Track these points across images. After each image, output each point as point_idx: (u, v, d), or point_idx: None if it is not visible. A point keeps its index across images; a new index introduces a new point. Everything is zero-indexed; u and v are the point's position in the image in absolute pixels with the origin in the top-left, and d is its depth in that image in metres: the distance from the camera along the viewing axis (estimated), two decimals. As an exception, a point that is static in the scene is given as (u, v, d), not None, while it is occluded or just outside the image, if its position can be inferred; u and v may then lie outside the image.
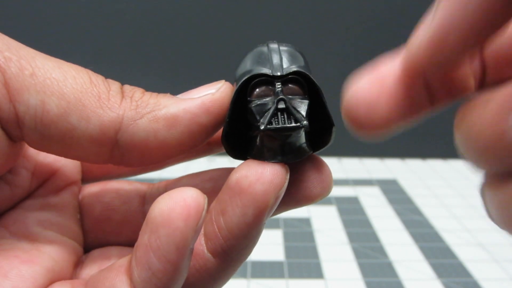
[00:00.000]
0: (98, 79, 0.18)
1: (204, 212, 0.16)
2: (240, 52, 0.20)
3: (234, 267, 0.19)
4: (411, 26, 0.18)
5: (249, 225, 0.17)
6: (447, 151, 0.74)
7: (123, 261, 0.17)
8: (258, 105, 0.18)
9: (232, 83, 0.20)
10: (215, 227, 0.18)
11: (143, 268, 0.16)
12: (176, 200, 0.16)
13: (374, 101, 0.17)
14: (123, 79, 0.20)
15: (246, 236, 0.18)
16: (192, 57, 0.72)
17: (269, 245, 0.50)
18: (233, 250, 0.18)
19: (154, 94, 0.19)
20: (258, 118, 0.18)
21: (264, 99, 0.18)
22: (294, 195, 0.19)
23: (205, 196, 0.16)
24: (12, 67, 0.17)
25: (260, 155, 0.18)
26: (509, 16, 0.13)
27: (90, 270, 0.20)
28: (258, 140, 0.18)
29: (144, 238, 0.16)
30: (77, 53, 0.70)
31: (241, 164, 0.18)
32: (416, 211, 0.59)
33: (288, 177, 0.18)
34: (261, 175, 0.17)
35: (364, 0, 0.70)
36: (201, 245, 0.18)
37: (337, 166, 0.73)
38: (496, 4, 0.13)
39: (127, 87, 0.19)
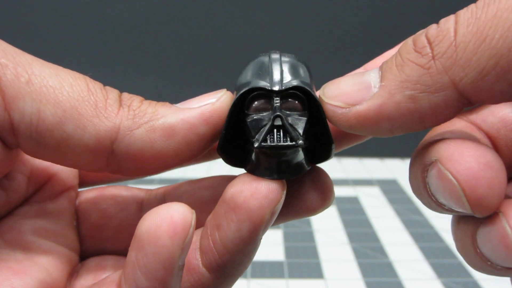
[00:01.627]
0: (96, 86, 0.18)
1: (191, 229, 0.16)
2: (242, 56, 0.20)
3: (229, 282, 0.19)
4: (411, 29, 0.18)
5: (244, 240, 0.17)
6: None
7: (115, 277, 0.17)
8: (254, 120, 0.18)
9: (232, 91, 0.19)
10: (211, 241, 0.18)
11: (131, 286, 0.16)
12: (162, 217, 0.15)
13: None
14: (124, 85, 0.20)
15: (241, 251, 0.18)
16: (194, 62, 0.72)
17: (269, 245, 0.50)
18: (228, 265, 0.18)
19: (153, 103, 0.19)
20: (253, 134, 0.17)
21: (261, 114, 0.18)
22: (293, 207, 0.19)
23: (193, 211, 0.16)
24: (8, 74, 0.17)
25: (256, 171, 0.18)
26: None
27: (84, 281, 0.20)
28: (254, 155, 0.18)
29: (131, 255, 0.16)
30: (77, 57, 0.69)
31: (236, 178, 0.18)
32: (416, 211, 0.58)
33: (284, 192, 0.18)
34: (255, 191, 0.17)
35: (367, 5, 0.70)
36: (196, 259, 0.18)
37: (337, 166, 0.72)
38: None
39: (125, 95, 0.19)
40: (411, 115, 0.16)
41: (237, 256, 0.18)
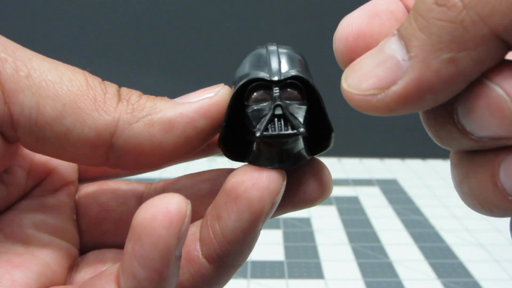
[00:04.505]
0: (94, 81, 0.18)
1: (187, 219, 0.16)
2: (240, 52, 0.20)
3: (229, 273, 0.19)
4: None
5: (244, 231, 0.17)
6: (447, 151, 0.74)
7: (114, 269, 0.17)
8: (255, 110, 0.18)
9: (231, 85, 0.20)
10: (211, 232, 0.18)
11: (129, 277, 0.16)
12: (157, 207, 0.15)
13: (365, 31, 0.16)
14: (123, 81, 0.20)
15: (241, 242, 0.18)
16: (192, 58, 0.72)
17: (269, 245, 0.50)
18: (228, 256, 0.18)
19: (151, 98, 0.19)
20: (254, 124, 0.17)
21: (261, 104, 0.18)
22: (292, 198, 0.19)
23: (188, 201, 0.16)
24: (8, 68, 0.17)
25: (257, 161, 0.18)
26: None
27: (84, 274, 0.20)
28: (255, 145, 0.18)
29: (128, 246, 0.16)
30: (76, 54, 0.70)
31: (238, 169, 0.18)
32: (416, 211, 0.58)
33: (284, 183, 0.18)
34: (257, 181, 0.17)
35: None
36: (196, 250, 0.18)
37: (337, 166, 0.72)
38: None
39: (124, 90, 0.19)
40: (456, 79, 0.14)
41: (237, 246, 0.18)
